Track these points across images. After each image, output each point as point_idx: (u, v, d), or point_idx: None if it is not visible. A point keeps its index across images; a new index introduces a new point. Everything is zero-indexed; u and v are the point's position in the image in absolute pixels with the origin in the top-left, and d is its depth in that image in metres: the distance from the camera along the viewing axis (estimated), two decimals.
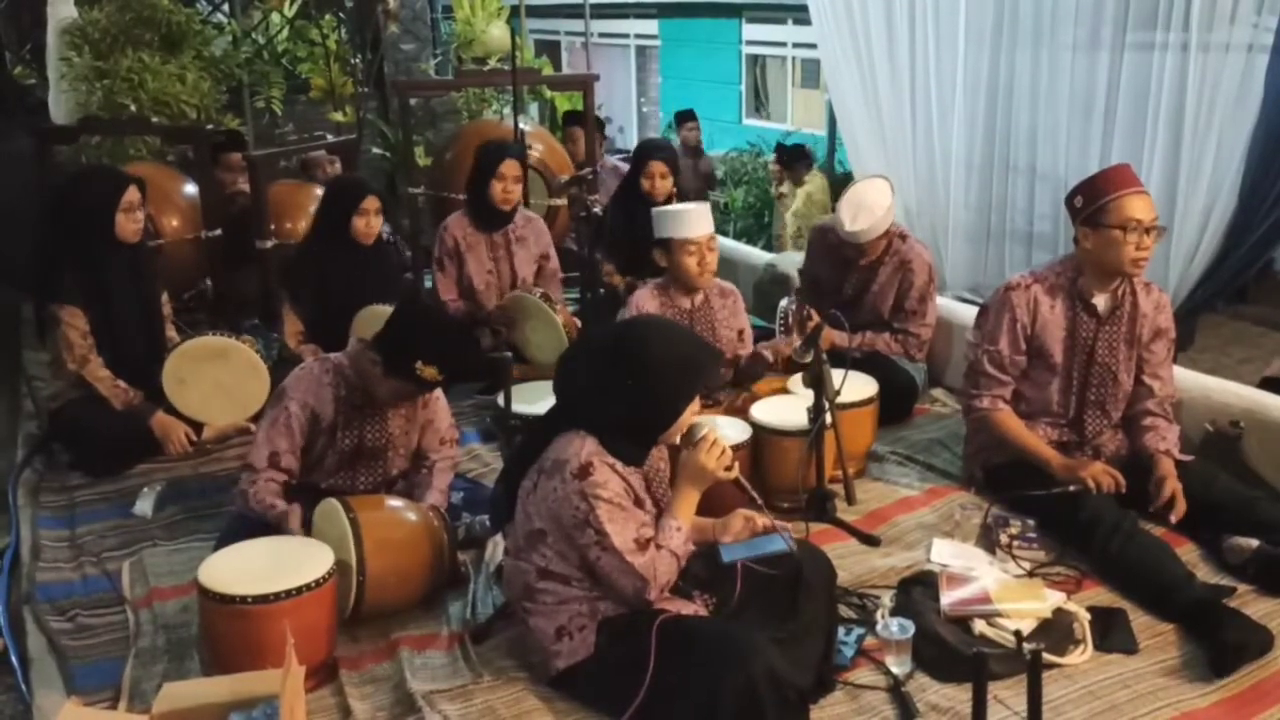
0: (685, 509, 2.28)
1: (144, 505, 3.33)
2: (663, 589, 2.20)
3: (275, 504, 2.73)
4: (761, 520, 2.39)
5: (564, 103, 7.84)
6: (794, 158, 7.85)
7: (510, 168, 4.30)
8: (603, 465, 2.18)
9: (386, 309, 4.01)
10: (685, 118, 8.52)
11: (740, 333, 3.75)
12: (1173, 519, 2.89)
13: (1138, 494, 2.93)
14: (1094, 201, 2.95)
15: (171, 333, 3.96)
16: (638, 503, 2.26)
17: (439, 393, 3.07)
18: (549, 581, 2.28)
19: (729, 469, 2.25)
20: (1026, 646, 2.36)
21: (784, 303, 3.60)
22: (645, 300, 3.59)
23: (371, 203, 3.97)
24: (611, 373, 2.21)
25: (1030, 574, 2.78)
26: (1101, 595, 2.72)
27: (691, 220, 3.46)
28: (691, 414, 2.26)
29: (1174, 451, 3.04)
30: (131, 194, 3.67)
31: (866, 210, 3.81)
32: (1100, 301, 3.06)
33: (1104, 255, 2.97)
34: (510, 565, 2.40)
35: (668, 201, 4.56)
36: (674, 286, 3.59)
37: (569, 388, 2.32)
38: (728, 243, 5.52)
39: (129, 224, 3.67)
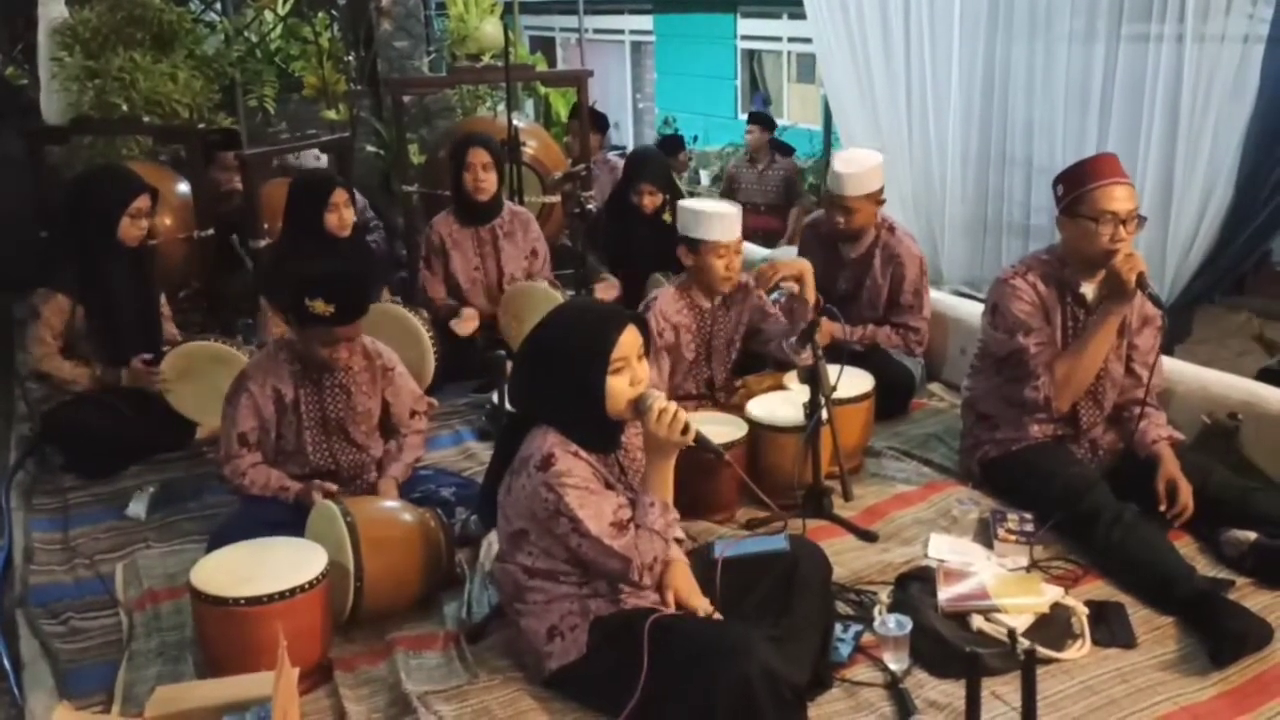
0: (658, 484, 2.25)
1: (137, 507, 3.32)
2: (649, 567, 2.19)
3: (287, 485, 2.88)
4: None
5: (558, 99, 7.81)
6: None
7: (477, 155, 4.27)
8: (565, 454, 2.18)
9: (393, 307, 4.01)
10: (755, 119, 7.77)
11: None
12: (1175, 522, 2.85)
13: (1137, 487, 2.90)
14: (1072, 190, 2.94)
15: (173, 330, 3.95)
16: (611, 487, 2.25)
17: (400, 367, 3.17)
18: (537, 580, 2.28)
19: (684, 432, 2.19)
20: (1020, 645, 2.34)
21: (775, 294, 3.56)
22: (666, 300, 3.50)
23: (339, 195, 4.00)
24: (535, 368, 2.27)
25: (1028, 568, 2.77)
26: (1100, 589, 2.71)
27: (723, 226, 3.37)
28: (630, 385, 2.21)
29: (1174, 434, 3.02)
30: (141, 201, 3.66)
31: (857, 161, 3.90)
32: (1089, 291, 3.04)
33: (1081, 246, 2.96)
34: (499, 569, 2.40)
35: (658, 214, 4.53)
36: (695, 287, 3.51)
37: (514, 392, 2.35)
38: None
39: (132, 229, 3.66)
